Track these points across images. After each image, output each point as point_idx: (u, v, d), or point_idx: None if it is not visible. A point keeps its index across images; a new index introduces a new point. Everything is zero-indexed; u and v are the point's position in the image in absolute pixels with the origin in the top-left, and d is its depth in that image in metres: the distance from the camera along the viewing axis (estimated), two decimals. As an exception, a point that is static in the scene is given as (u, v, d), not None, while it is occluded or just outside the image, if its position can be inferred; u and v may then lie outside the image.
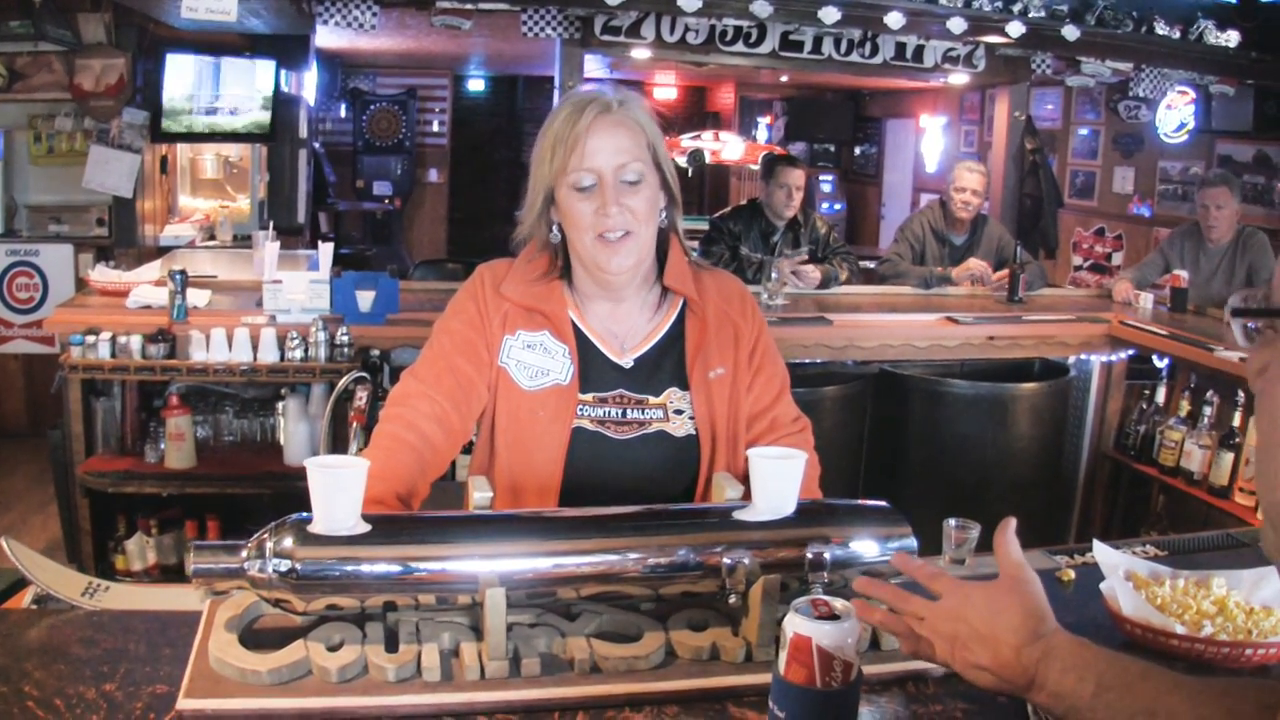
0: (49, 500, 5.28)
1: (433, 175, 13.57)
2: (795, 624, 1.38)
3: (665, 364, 2.19)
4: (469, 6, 6.03)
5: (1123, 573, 1.96)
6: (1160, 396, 5.37)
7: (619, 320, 2.21)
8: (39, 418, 6.71)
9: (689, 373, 2.18)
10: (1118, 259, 9.29)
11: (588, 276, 2.17)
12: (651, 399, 2.16)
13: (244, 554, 1.65)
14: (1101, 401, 5.64)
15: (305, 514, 1.69)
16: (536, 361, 2.12)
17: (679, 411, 2.16)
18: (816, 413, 4.94)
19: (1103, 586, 1.94)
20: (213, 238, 7.99)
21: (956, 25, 5.83)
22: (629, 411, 2.14)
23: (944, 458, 5.20)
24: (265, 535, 1.66)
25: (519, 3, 5.86)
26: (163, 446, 4.67)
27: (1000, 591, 1.43)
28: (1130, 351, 5.52)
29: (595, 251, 2.08)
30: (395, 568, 1.66)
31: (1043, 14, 6.01)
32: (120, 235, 7.09)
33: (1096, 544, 2.07)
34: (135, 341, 4.53)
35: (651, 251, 2.16)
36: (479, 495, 1.82)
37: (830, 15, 5.59)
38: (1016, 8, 5.99)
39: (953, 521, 2.04)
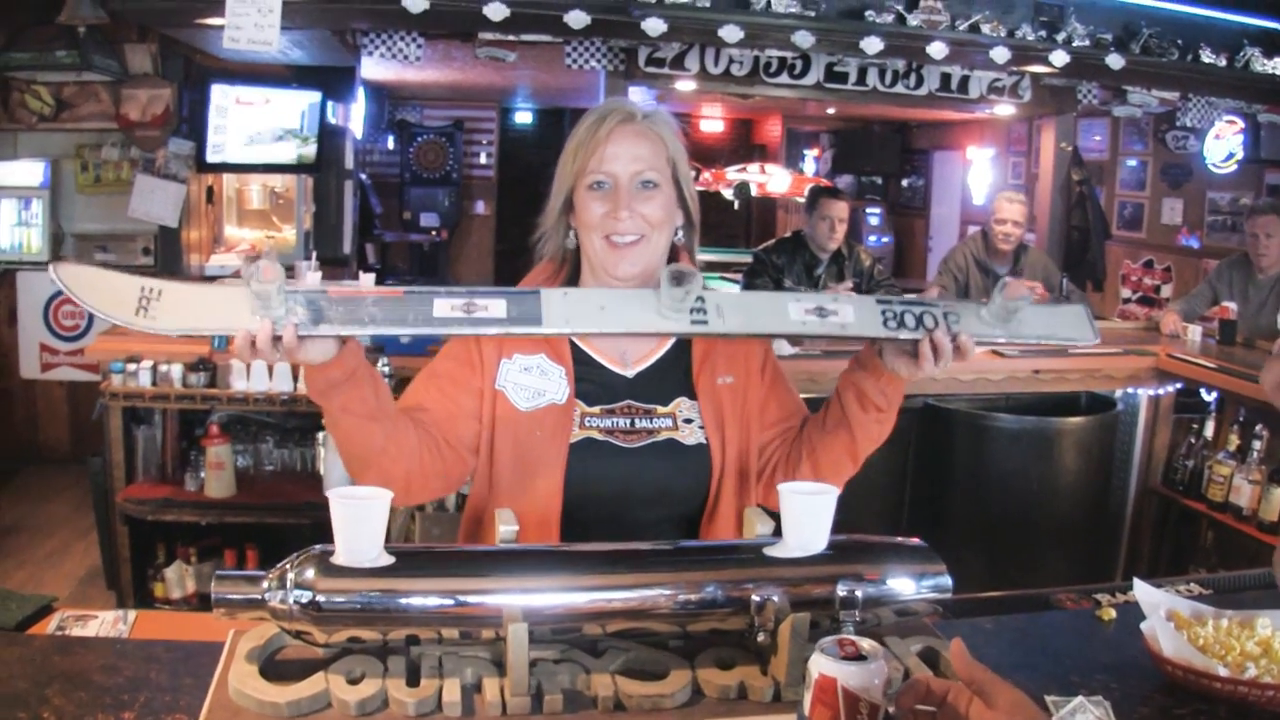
0: (91, 527, 5.32)
1: (479, 207, 13.61)
2: (820, 664, 1.34)
3: (672, 375, 2.20)
4: (511, 38, 6.05)
5: (1164, 612, 1.91)
6: (1209, 430, 5.29)
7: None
8: (82, 444, 6.77)
9: (696, 380, 2.18)
10: (1166, 291, 9.19)
11: (596, 284, 2.18)
12: (660, 408, 2.16)
13: (265, 584, 1.64)
14: (1149, 436, 5.56)
15: (328, 545, 1.67)
16: (533, 383, 2.13)
17: (688, 420, 2.16)
18: (859, 446, 4.94)
19: (1143, 626, 1.89)
20: (258, 268, 8.01)
21: (1000, 55, 5.77)
22: (637, 421, 2.14)
23: (989, 492, 5.13)
24: (287, 566, 1.65)
25: (561, 34, 5.86)
26: (202, 475, 4.69)
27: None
28: (1178, 385, 5.44)
29: (604, 255, 2.11)
30: (417, 601, 1.64)
31: (1087, 43, 5.94)
32: (165, 264, 7.15)
33: (1137, 582, 2.02)
34: (176, 370, 4.56)
35: (660, 259, 2.16)
36: (504, 529, 1.80)
37: (873, 45, 5.56)
38: (1060, 36, 5.93)
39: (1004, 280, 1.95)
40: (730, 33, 5.38)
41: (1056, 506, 5.14)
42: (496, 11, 5.04)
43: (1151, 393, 5.51)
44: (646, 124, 2.13)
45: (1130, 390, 5.52)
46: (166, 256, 7.18)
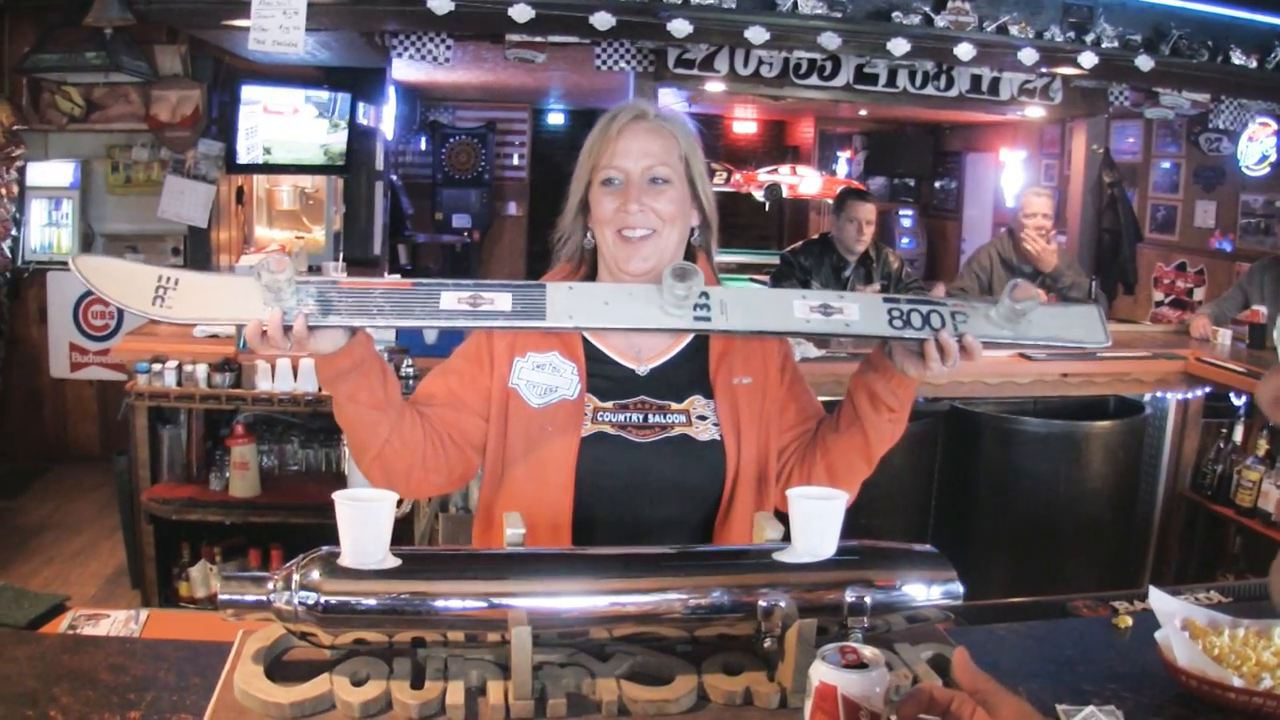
0: (118, 525, 5.34)
1: (511, 208, 13.60)
2: (821, 672, 1.33)
3: (687, 373, 2.20)
4: (539, 40, 6.05)
5: (1179, 621, 1.88)
6: (1237, 435, 5.24)
7: (642, 336, 2.22)
8: (111, 443, 6.80)
9: (712, 380, 2.19)
10: (1199, 294, 9.10)
11: (611, 280, 2.19)
12: (674, 404, 2.16)
13: (271, 585, 1.64)
14: (1177, 440, 5.50)
15: (336, 547, 1.67)
16: (545, 380, 2.14)
17: (702, 417, 2.16)
18: (884, 449, 4.92)
19: (1158, 635, 1.87)
20: (288, 268, 8.02)
21: (1028, 56, 5.73)
22: (650, 416, 2.14)
23: (1015, 497, 5.09)
24: (293, 567, 1.65)
25: (588, 36, 5.86)
26: (227, 475, 4.70)
27: None
28: (1207, 389, 5.39)
29: (616, 249, 2.13)
30: (421, 603, 1.63)
31: (1115, 44, 5.88)
32: (195, 265, 7.18)
33: (1153, 590, 1.99)
34: (201, 370, 4.58)
35: (672, 256, 2.16)
36: (511, 532, 1.79)
37: (899, 47, 5.52)
38: (1089, 38, 5.87)
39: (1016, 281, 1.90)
40: (756, 34, 5.36)
41: (1083, 511, 5.10)
42: (521, 13, 5.04)
43: (1180, 397, 5.46)
44: (659, 122, 2.15)
45: (1159, 394, 5.47)
46: (196, 257, 7.21)
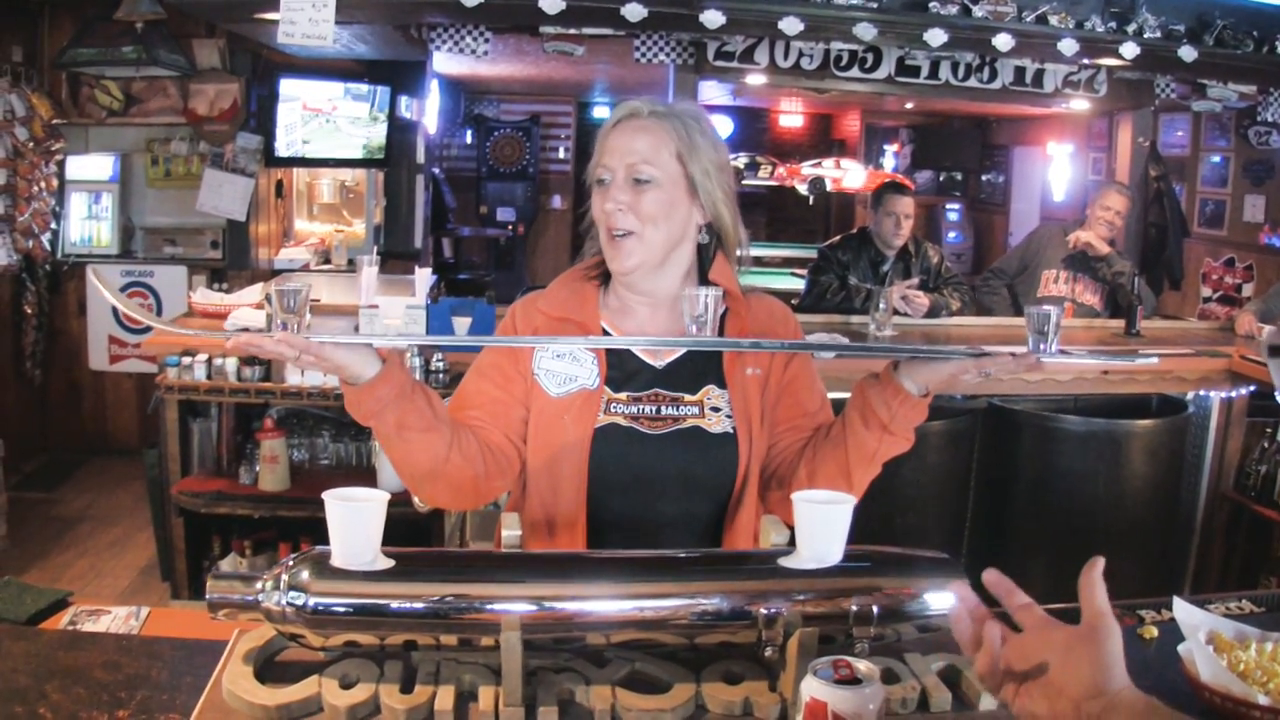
0: (153, 518, 5.37)
1: (556, 202, 13.58)
2: (811, 687, 1.29)
3: (702, 364, 2.18)
4: (573, 31, 6.01)
5: (1204, 634, 1.81)
6: (1283, 435, 5.13)
7: (656, 327, 2.21)
8: (150, 436, 6.82)
9: (727, 371, 2.17)
10: (1248, 290, 8.94)
11: (615, 278, 2.21)
12: (687, 396, 2.15)
13: (259, 585, 1.62)
14: (1221, 440, 5.37)
15: (328, 546, 1.64)
16: (565, 369, 2.14)
17: (716, 409, 2.14)
18: (921, 448, 4.81)
19: (1181, 649, 1.80)
20: (328, 261, 8.07)
21: (1068, 47, 5.61)
22: (663, 408, 2.13)
23: (1054, 496, 5.01)
24: (283, 567, 1.62)
25: (621, 27, 5.80)
26: (257, 468, 4.70)
27: (1075, 639, 1.30)
28: (1251, 387, 5.25)
29: (606, 247, 2.14)
30: (410, 606, 1.61)
31: (1158, 34, 5.74)
32: (233, 258, 7.22)
33: (1177, 602, 1.93)
34: (230, 364, 4.58)
35: (661, 255, 2.14)
36: (507, 534, 1.75)
37: (936, 37, 5.43)
38: (1130, 28, 5.75)
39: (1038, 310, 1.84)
40: (790, 24, 5.29)
41: (1124, 512, 5.00)
42: (552, 4, 5.00)
43: (1224, 395, 5.33)
44: (653, 119, 2.12)
45: (1202, 392, 5.34)
46: (235, 251, 7.24)
